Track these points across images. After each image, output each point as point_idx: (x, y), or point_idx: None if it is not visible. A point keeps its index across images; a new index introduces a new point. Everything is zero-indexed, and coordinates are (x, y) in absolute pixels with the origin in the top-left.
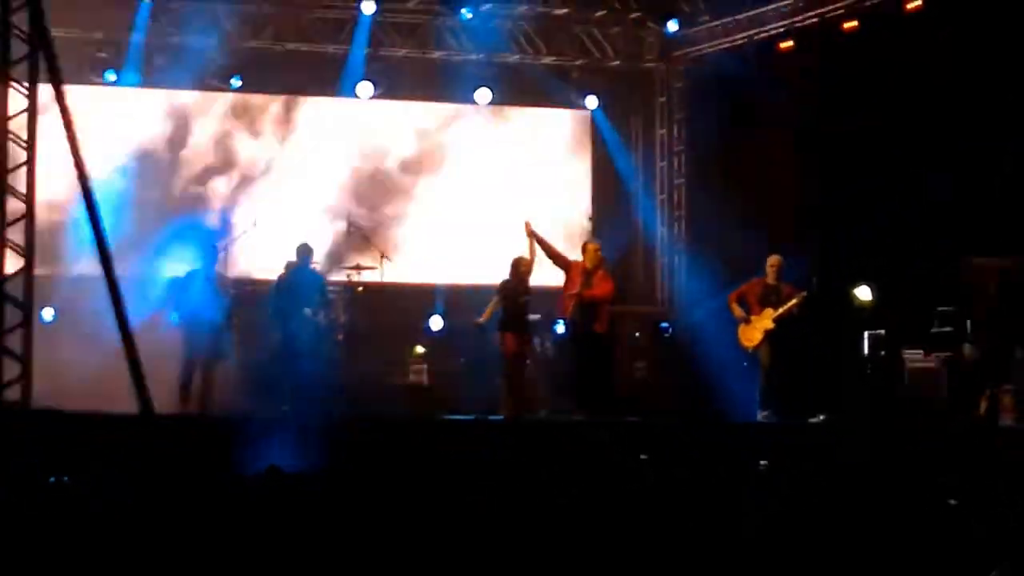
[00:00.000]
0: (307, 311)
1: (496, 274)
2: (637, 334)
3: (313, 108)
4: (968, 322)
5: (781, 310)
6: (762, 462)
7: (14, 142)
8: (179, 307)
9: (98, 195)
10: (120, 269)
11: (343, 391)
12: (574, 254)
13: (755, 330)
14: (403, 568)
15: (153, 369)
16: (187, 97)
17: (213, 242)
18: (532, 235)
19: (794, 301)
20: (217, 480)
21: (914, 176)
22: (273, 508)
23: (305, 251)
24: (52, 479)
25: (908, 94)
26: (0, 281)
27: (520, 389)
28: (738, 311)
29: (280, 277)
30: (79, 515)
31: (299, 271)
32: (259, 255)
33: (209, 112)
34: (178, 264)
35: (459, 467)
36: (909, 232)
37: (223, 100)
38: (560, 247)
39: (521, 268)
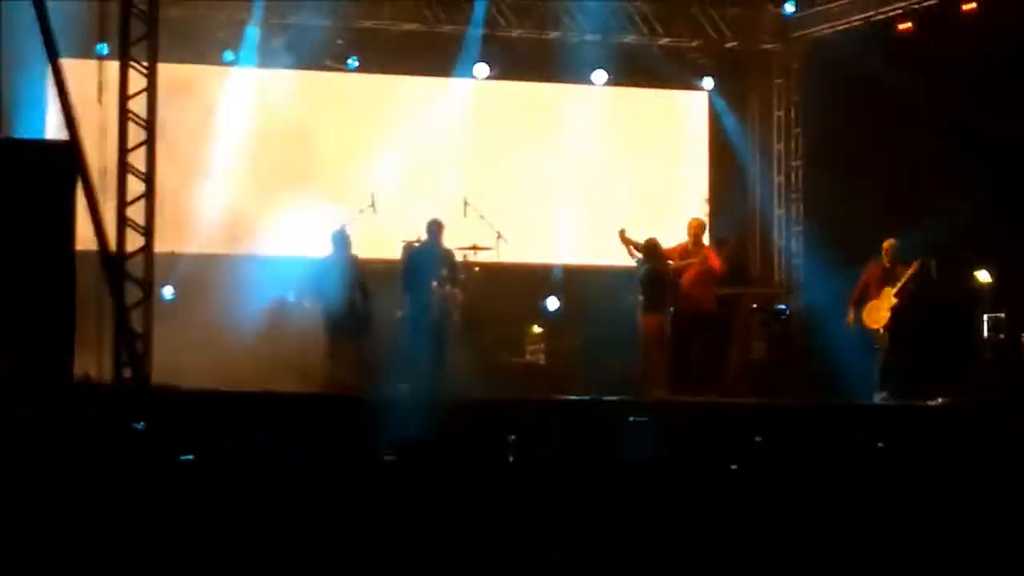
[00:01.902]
0: (434, 284)
1: (611, 254)
2: (754, 313)
3: (426, 88)
4: None
5: (899, 285)
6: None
7: (134, 121)
8: (321, 292)
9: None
10: (248, 248)
11: (461, 370)
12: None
13: (880, 311)
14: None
15: (291, 351)
16: (306, 77)
17: (344, 225)
18: (627, 243)
19: (909, 272)
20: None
21: None
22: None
23: (436, 227)
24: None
25: None
26: (121, 260)
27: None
28: (850, 316)
29: (408, 253)
30: (202, 493)
31: (428, 247)
32: (372, 235)
33: (327, 91)
34: (309, 245)
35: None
36: None
37: (340, 80)
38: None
39: (658, 250)
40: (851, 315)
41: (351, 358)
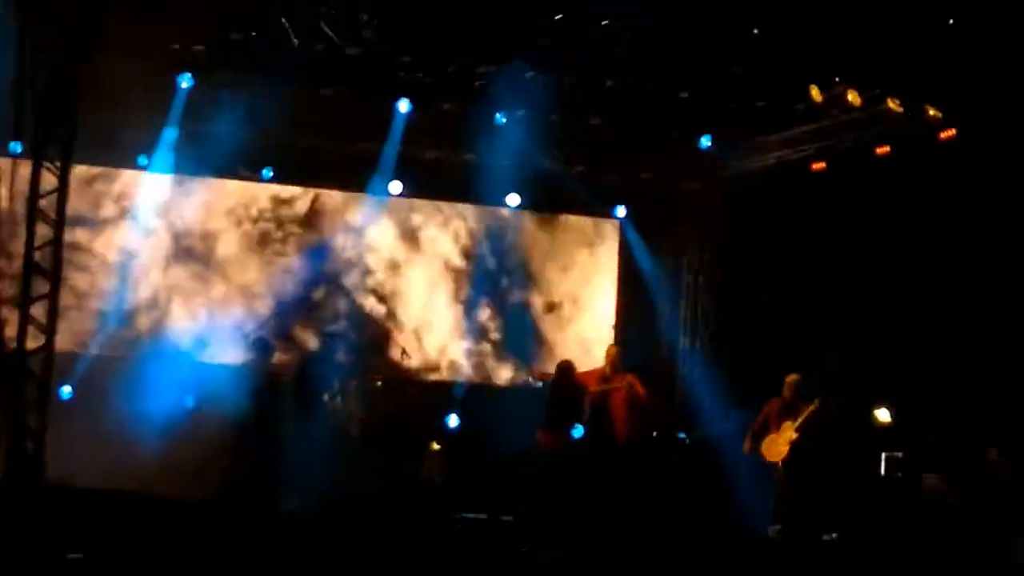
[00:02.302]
0: (325, 397)
1: (516, 374)
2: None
3: (342, 199)
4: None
5: (800, 420)
6: None
7: (43, 220)
8: (229, 399)
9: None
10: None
11: (355, 485)
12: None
13: (779, 444)
14: None
15: (188, 456)
16: (219, 186)
17: (264, 335)
18: (544, 377)
19: (811, 408)
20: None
21: (942, 302)
22: None
23: (330, 339)
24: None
25: (936, 221)
26: (21, 357)
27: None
28: (747, 444)
29: (303, 363)
30: None
31: (321, 359)
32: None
33: (240, 197)
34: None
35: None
36: (936, 355)
37: (255, 190)
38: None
39: (571, 372)
40: (748, 444)
41: (249, 467)
